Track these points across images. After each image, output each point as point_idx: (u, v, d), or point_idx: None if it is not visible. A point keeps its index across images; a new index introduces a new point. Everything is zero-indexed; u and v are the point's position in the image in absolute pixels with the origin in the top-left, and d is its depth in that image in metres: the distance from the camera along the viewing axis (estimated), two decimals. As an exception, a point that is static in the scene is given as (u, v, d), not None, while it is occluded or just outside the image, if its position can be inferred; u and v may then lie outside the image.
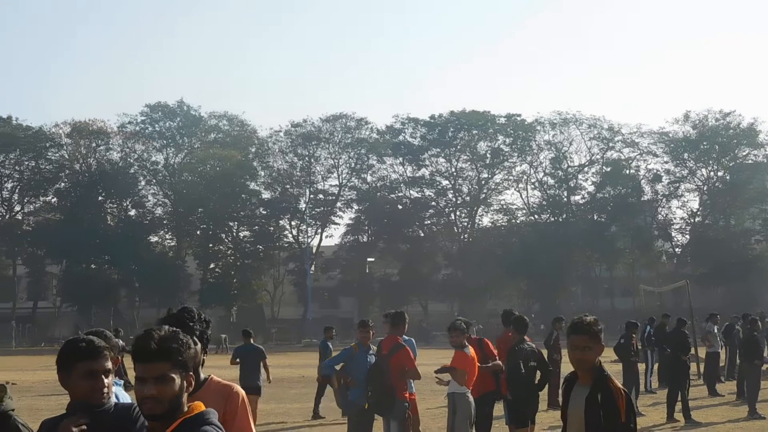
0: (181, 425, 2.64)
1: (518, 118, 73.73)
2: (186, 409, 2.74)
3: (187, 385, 2.75)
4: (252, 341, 15.23)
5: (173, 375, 2.69)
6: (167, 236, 74.40)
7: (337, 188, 73.80)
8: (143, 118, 71.31)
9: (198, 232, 72.41)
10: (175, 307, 31.15)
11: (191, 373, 2.78)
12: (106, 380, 3.31)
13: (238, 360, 14.78)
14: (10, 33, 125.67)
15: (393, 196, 74.50)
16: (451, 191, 75.43)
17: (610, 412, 4.46)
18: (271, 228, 72.19)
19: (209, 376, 3.91)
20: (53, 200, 72.37)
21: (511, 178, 76.25)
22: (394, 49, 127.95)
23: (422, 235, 75.04)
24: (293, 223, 73.40)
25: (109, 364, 3.39)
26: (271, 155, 73.54)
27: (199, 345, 3.67)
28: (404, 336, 10.65)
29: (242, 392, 3.83)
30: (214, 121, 73.46)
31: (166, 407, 2.68)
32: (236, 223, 72.33)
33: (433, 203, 75.69)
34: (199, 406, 2.81)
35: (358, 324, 10.56)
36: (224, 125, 73.89)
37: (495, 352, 10.93)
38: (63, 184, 71.38)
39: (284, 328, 69.65)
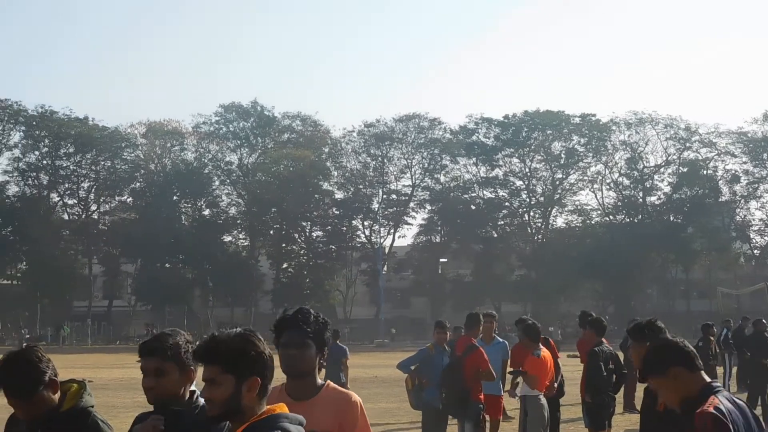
0: (249, 428, 2.94)
1: (593, 118, 78.62)
2: (260, 411, 3.02)
3: (246, 389, 3.01)
4: (338, 342, 17.16)
5: (222, 378, 2.97)
6: (241, 236, 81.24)
7: (410, 188, 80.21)
8: (217, 118, 78.72)
9: (271, 232, 79.22)
10: (249, 306, 38.98)
11: (256, 377, 3.02)
12: (154, 379, 3.71)
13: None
14: (85, 34, 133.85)
15: (466, 196, 79.85)
16: (525, 191, 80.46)
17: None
18: (344, 228, 78.65)
19: (326, 381, 4.08)
20: (128, 200, 79.81)
21: (585, 178, 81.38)
22: (468, 48, 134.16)
23: (495, 235, 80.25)
24: (366, 223, 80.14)
25: (161, 364, 3.74)
26: (344, 155, 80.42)
27: (314, 347, 3.90)
28: (498, 338, 11.86)
29: (359, 400, 4.02)
30: (287, 122, 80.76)
31: (219, 409, 2.99)
32: (309, 223, 79.07)
33: (507, 204, 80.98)
34: (277, 408, 3.09)
35: (435, 325, 11.30)
36: (297, 125, 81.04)
37: (557, 354, 11.53)
38: (138, 183, 78.84)
39: (356, 329, 77.24)
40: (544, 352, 10.66)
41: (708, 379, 3.98)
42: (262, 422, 2.94)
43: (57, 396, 3.73)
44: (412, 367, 10.80)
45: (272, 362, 3.08)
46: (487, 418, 11.09)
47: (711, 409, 3.71)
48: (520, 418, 10.72)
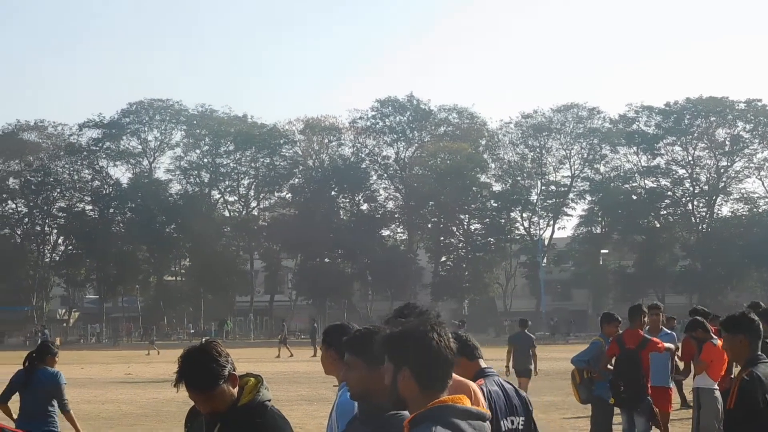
0: (414, 419, 3.29)
1: (759, 104, 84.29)
2: (426, 403, 3.30)
3: (401, 379, 3.32)
4: (526, 330, 20.25)
5: (387, 367, 3.38)
6: (399, 230, 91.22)
7: (569, 179, 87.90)
8: (374, 113, 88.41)
9: (429, 225, 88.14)
10: (408, 299, 52.31)
11: (406, 368, 3.31)
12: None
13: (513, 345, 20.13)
14: (240, 33, 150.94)
15: (627, 186, 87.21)
16: (688, 180, 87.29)
17: None
18: (503, 220, 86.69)
19: None
20: (287, 196, 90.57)
21: (752, 165, 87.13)
22: (625, 35, 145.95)
23: (658, 225, 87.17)
24: (524, 215, 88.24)
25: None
26: (502, 147, 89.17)
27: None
28: (665, 329, 12.85)
29: (476, 387, 4.71)
30: (443, 114, 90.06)
31: (391, 398, 3.40)
32: (467, 215, 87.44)
33: (669, 193, 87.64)
34: (451, 400, 3.32)
35: (603, 317, 12.51)
36: (454, 118, 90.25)
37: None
38: (297, 179, 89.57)
39: (516, 321, 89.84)
40: (720, 342, 10.75)
41: (483, 366, 5.30)
42: (426, 413, 3.25)
43: (236, 390, 4.26)
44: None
45: (441, 353, 3.32)
46: (657, 410, 11.65)
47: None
48: (693, 411, 11.42)
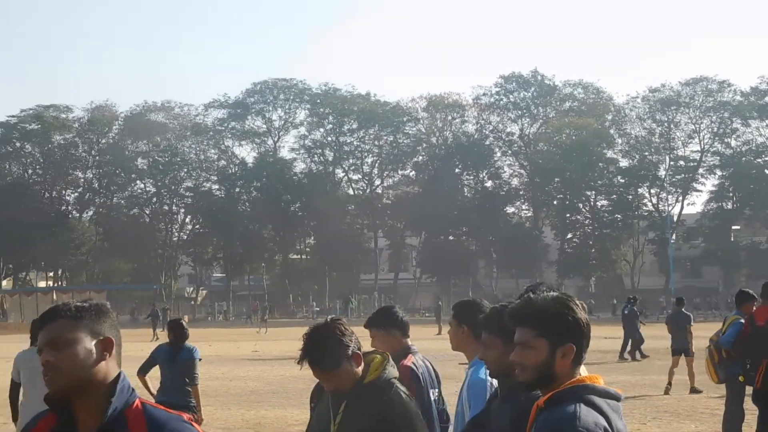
0: (552, 397, 3.44)
1: None
2: (572, 379, 3.48)
3: (562, 354, 3.46)
4: (683, 309, 21.71)
5: (537, 343, 3.47)
6: (524, 207, 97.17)
7: (699, 154, 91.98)
8: (497, 89, 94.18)
9: (555, 202, 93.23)
10: (533, 277, 62.01)
11: (571, 343, 3.48)
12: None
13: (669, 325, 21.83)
14: (365, 9, 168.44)
15: (759, 160, 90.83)
16: None
17: None
18: (630, 196, 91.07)
19: None
20: (411, 173, 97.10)
21: None
22: (755, 5, 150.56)
23: None
24: (652, 191, 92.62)
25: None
26: (629, 122, 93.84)
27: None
28: None
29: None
30: (568, 90, 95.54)
31: (529, 375, 3.48)
32: (593, 192, 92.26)
33: None
34: (589, 379, 3.50)
35: (737, 295, 13.29)
36: (579, 93, 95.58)
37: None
38: (420, 157, 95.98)
39: (645, 299, 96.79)
40: None
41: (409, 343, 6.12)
42: (565, 392, 3.40)
43: (360, 369, 4.55)
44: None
45: (589, 330, 3.52)
46: None
47: (408, 363, 5.73)
48: None
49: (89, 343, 2.97)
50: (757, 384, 7.65)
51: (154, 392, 11.02)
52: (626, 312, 32.18)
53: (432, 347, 38.43)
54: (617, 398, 3.52)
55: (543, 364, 3.49)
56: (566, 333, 3.52)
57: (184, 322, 11.58)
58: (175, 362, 10.91)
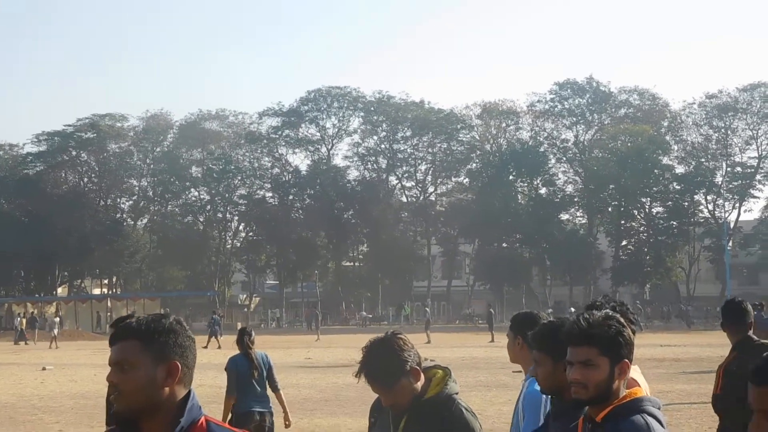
0: (612, 411, 3.52)
1: None
2: (621, 395, 3.58)
3: (619, 372, 3.55)
4: (762, 313, 21.53)
5: (599, 361, 3.53)
6: (578, 214, 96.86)
7: (756, 160, 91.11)
8: (552, 96, 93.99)
9: (609, 209, 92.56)
10: (588, 284, 61.30)
11: (626, 360, 3.58)
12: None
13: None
14: (418, 20, 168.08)
15: None
16: None
17: None
18: (686, 203, 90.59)
19: None
20: (465, 181, 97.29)
21: None
22: None
23: None
24: (709, 197, 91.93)
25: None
26: (685, 128, 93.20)
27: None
28: None
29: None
30: (624, 96, 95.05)
31: (591, 393, 3.54)
32: (649, 199, 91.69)
33: None
34: (637, 393, 3.62)
35: None
36: (635, 100, 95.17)
37: None
38: (474, 164, 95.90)
39: (700, 306, 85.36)
40: None
41: None
42: (626, 405, 3.54)
43: (420, 384, 4.49)
44: None
45: (633, 344, 3.63)
46: None
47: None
48: None
49: (154, 369, 3.00)
50: (717, 389, 7.51)
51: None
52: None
53: (486, 355, 39.07)
54: (659, 407, 3.69)
55: (604, 381, 3.59)
56: (623, 350, 3.64)
57: (251, 330, 11.68)
58: (256, 369, 11.07)
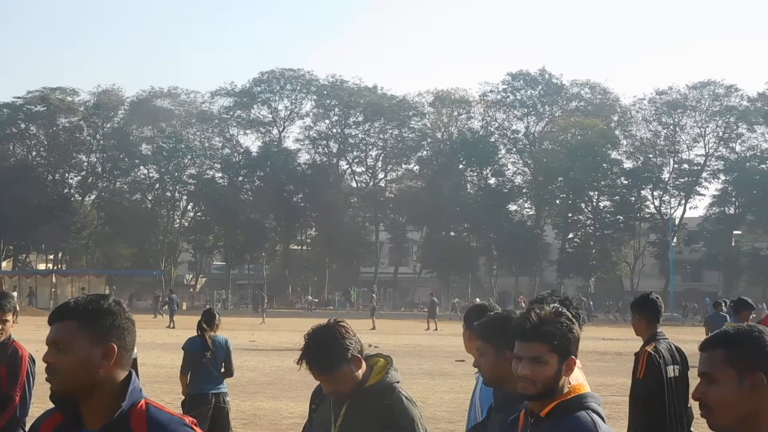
0: (557, 407, 3.56)
1: None
2: (565, 391, 3.61)
3: (566, 368, 3.58)
4: (722, 312, 21.18)
5: (549, 358, 3.55)
6: (526, 205, 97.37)
7: (703, 158, 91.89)
8: (504, 86, 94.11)
9: (557, 202, 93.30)
10: (534, 275, 62.17)
11: (573, 356, 3.61)
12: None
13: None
14: (373, 6, 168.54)
15: (764, 166, 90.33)
16: None
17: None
18: (633, 198, 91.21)
19: None
20: (415, 168, 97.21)
21: None
22: (764, 10, 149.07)
23: None
24: (655, 193, 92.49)
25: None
26: (634, 123, 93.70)
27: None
28: None
29: None
30: (575, 89, 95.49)
31: (539, 389, 3.55)
32: (596, 192, 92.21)
33: None
34: (580, 388, 3.66)
35: (736, 303, 14.16)
36: (586, 93, 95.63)
37: None
38: (425, 152, 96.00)
39: None
40: None
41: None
42: (571, 401, 3.59)
43: (361, 372, 4.52)
44: None
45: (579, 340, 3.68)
46: None
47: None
48: None
49: (90, 350, 3.01)
50: (640, 374, 7.66)
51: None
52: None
53: (430, 343, 39.24)
54: (600, 403, 3.73)
55: (552, 378, 3.62)
56: (571, 347, 3.68)
57: (217, 313, 11.82)
58: (213, 353, 11.21)
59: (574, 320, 3.73)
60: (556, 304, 3.95)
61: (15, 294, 59.47)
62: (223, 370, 11.41)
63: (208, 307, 15.45)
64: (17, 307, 7.36)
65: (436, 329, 51.00)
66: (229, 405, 11.46)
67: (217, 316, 11.59)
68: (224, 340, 11.43)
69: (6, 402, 6.79)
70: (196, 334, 11.48)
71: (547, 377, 3.60)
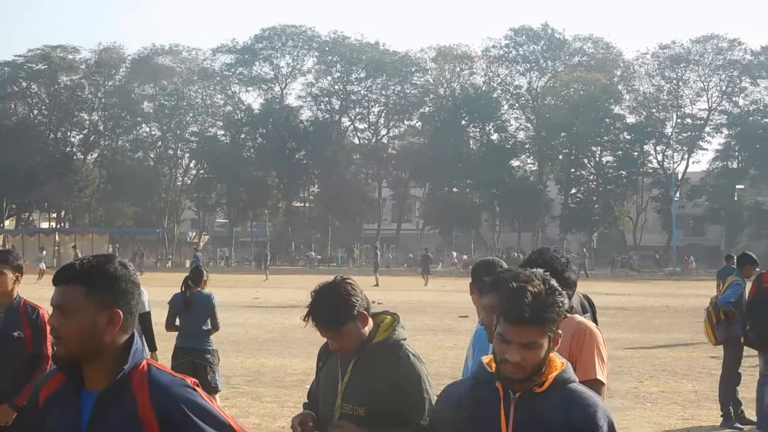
0: (555, 381, 3.45)
1: None
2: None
3: (554, 345, 3.43)
4: (732, 265, 20.27)
5: (542, 341, 3.37)
6: (529, 160, 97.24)
7: (706, 112, 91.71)
8: (507, 42, 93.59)
9: (560, 157, 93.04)
10: (536, 231, 61.70)
11: (560, 332, 3.46)
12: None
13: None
14: None
15: (767, 120, 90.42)
16: None
17: None
18: (635, 153, 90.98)
19: None
20: (417, 124, 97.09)
21: None
22: None
23: None
24: (658, 148, 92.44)
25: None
26: (637, 78, 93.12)
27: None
28: None
29: (592, 328, 4.97)
30: (578, 44, 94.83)
31: (528, 373, 3.38)
32: (599, 147, 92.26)
33: None
34: (555, 358, 3.51)
35: (740, 258, 13.64)
36: (589, 48, 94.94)
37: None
38: (427, 108, 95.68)
39: (647, 256, 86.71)
40: None
41: None
42: (564, 375, 3.48)
43: (368, 329, 4.54)
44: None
45: None
46: None
47: None
48: None
49: (96, 316, 3.00)
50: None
51: None
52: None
53: (433, 299, 39.22)
54: None
55: (542, 359, 3.46)
56: (560, 322, 3.51)
57: (204, 270, 12.06)
58: (194, 309, 11.49)
59: (563, 292, 3.51)
60: (542, 272, 3.57)
61: (44, 253, 58.91)
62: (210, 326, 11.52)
63: (195, 265, 16.02)
64: (22, 265, 7.38)
65: (426, 284, 50.40)
66: (212, 361, 11.54)
67: (204, 273, 11.85)
68: (208, 296, 11.59)
69: (40, 360, 6.93)
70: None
71: (538, 360, 3.43)
